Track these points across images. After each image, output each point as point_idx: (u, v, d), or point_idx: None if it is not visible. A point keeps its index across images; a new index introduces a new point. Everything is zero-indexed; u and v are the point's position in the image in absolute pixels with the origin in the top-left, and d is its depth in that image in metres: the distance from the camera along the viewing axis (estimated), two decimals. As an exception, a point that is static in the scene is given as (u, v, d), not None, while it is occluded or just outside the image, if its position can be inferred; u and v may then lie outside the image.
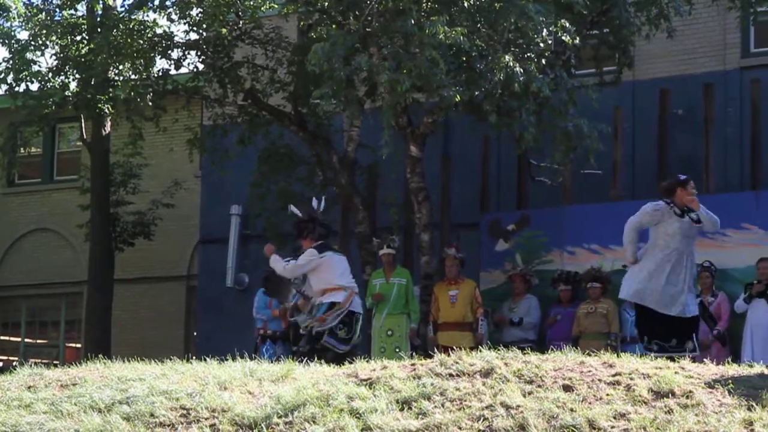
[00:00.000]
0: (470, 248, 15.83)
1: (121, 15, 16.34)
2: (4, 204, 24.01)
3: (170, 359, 10.41)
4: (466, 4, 13.56)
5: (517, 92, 13.30)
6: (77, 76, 16.64)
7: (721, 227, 14.36)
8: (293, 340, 15.19)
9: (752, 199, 14.73)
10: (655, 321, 10.73)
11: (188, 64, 16.68)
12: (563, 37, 13.72)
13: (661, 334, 10.69)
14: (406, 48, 13.38)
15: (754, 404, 7.79)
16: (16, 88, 17.06)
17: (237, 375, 9.33)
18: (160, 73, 16.56)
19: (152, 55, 16.12)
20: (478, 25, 13.64)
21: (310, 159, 17.00)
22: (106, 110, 17.23)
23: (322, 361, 10.60)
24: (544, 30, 13.45)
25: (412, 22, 13.21)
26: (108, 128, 20.04)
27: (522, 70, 13.14)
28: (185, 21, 15.88)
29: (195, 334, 21.30)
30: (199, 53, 16.58)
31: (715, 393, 8.08)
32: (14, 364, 18.52)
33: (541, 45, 13.67)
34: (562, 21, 13.57)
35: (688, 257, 10.76)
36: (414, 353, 10.68)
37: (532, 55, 13.62)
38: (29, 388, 9.64)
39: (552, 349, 9.73)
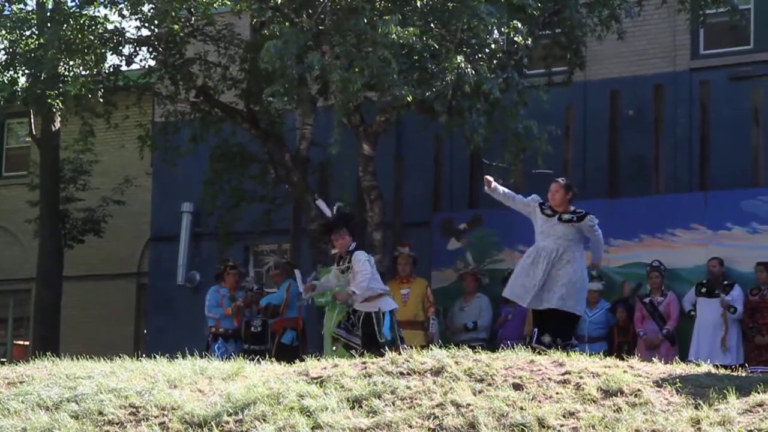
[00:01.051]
0: (422, 247, 15.86)
1: (71, 10, 16.18)
2: (-48, 200, 23.76)
3: (120, 357, 10.35)
4: (418, 4, 13.57)
5: (467, 93, 13.33)
6: (26, 71, 16.48)
7: (670, 227, 14.65)
8: (245, 339, 15.17)
9: (701, 200, 14.87)
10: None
11: (140, 60, 16.59)
12: (515, 38, 13.77)
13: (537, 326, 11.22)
14: (359, 47, 13.38)
15: (701, 403, 7.87)
16: (-36, 83, 16.90)
17: (187, 373, 9.29)
18: (111, 69, 16.43)
19: (103, 50, 15.98)
20: (431, 25, 13.67)
21: (263, 157, 16.96)
22: (56, 106, 17.08)
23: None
24: (496, 31, 13.50)
25: (365, 21, 13.21)
26: (58, 124, 19.88)
27: (473, 71, 13.17)
28: (137, 17, 15.78)
29: (145, 332, 21.17)
30: (150, 49, 16.47)
31: (663, 392, 8.15)
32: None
33: (493, 46, 13.72)
34: (514, 22, 13.62)
35: (557, 254, 11.05)
36: (365, 351, 10.67)
37: (484, 56, 13.65)
38: (-24, 386, 9.54)
39: (502, 348, 9.78)
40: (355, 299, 11.16)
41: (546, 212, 11.29)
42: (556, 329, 10.97)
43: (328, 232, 11.68)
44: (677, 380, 8.30)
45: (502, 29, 13.63)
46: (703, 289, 14.04)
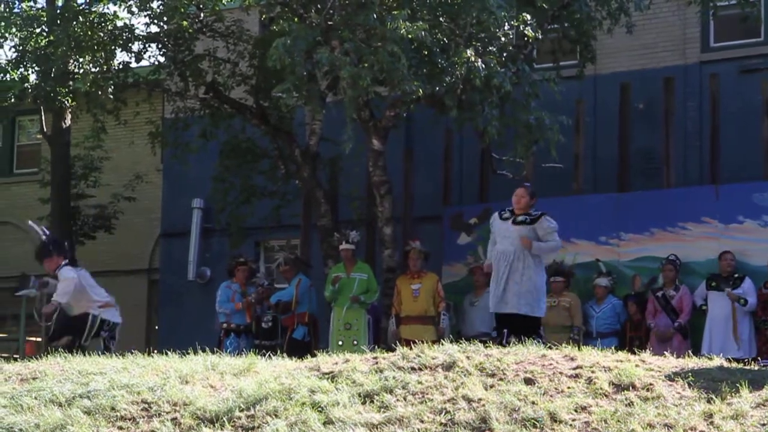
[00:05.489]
0: (433, 242, 15.84)
1: (81, 7, 16.22)
2: (-36, 197, 23.81)
3: (131, 353, 10.37)
4: (428, -1, 13.56)
5: (478, 87, 13.31)
6: (37, 68, 16.51)
7: (681, 220, 14.63)
8: (256, 334, 15.19)
9: (712, 193, 14.83)
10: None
11: (149, 56, 16.58)
12: (525, 31, 13.75)
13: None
14: (368, 42, 13.36)
15: (713, 397, 7.85)
16: (-25, 81, 16.93)
17: (199, 369, 9.30)
18: (121, 66, 16.46)
19: (113, 47, 16.00)
20: (440, 19, 13.64)
21: (272, 152, 16.97)
22: (66, 103, 17.10)
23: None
24: (506, 24, 13.47)
25: (374, 16, 13.19)
26: (68, 121, 19.92)
27: (483, 65, 13.15)
28: (146, 13, 15.80)
29: (157, 327, 21.21)
30: (160, 46, 16.48)
31: (675, 386, 8.14)
32: (-27, 358, 18.36)
33: (503, 39, 13.69)
34: (524, 15, 13.60)
35: (514, 256, 11.62)
36: (376, 347, 10.69)
37: (494, 50, 13.63)
38: (-11, 382, 9.56)
39: (514, 343, 9.77)
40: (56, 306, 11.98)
41: (503, 216, 11.85)
42: (522, 330, 11.33)
43: (40, 255, 12.48)
44: (689, 374, 8.29)
45: (512, 23, 13.61)
46: (714, 283, 14.02)
